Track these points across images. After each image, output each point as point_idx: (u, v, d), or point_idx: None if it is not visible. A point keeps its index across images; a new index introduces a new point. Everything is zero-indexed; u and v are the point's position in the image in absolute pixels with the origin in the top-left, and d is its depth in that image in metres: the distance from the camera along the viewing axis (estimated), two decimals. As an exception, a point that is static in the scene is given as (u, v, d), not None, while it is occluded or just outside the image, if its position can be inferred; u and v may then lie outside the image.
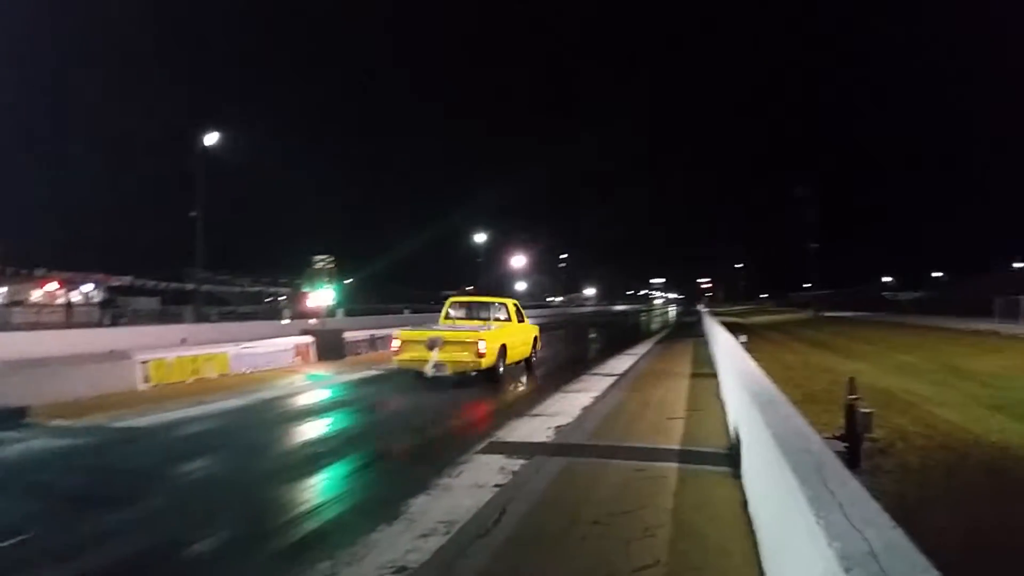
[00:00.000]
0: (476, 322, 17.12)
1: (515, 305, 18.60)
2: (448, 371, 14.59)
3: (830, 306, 63.79)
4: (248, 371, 17.22)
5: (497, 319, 17.56)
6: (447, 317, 17.71)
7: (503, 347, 15.73)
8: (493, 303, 18.82)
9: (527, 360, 18.37)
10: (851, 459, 7.50)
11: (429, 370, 14.58)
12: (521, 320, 18.28)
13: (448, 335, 15.09)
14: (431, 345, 14.69)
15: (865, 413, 7.98)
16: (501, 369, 15.70)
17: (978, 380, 14.49)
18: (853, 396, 8.16)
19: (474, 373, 14.92)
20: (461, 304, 18.95)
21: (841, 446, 7.66)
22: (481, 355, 14.60)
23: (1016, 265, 62.04)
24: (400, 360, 15.28)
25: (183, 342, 22.50)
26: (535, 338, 19.16)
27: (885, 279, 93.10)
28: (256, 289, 60.40)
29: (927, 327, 31.87)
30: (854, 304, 64.75)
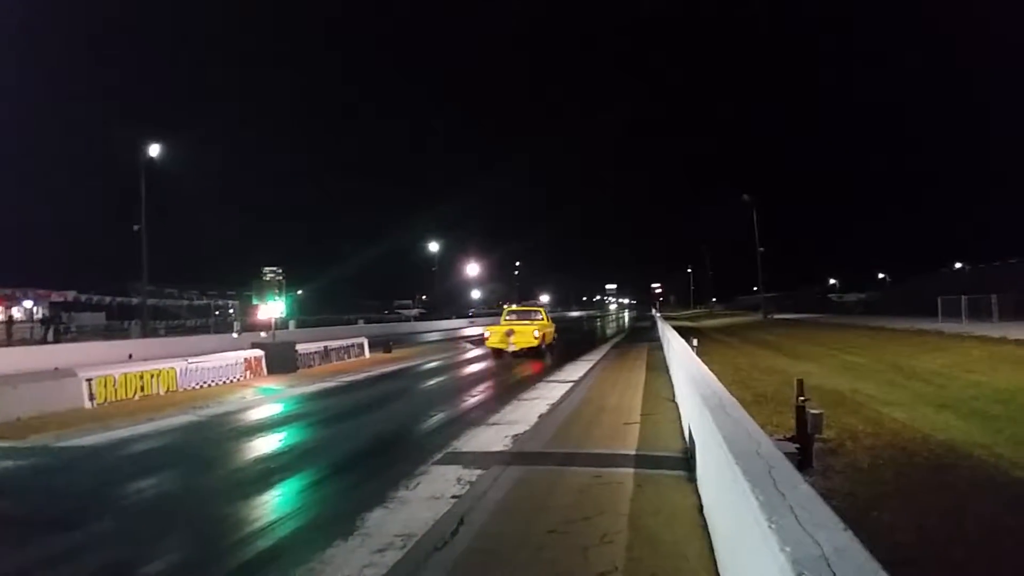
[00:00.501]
0: (527, 320, 26.99)
1: (544, 309, 30.91)
2: (516, 348, 24.84)
3: (779, 308, 64.91)
4: (197, 386, 16.87)
5: (536, 319, 27.30)
6: (506, 319, 27.46)
7: (544, 334, 25.85)
8: (532, 309, 30.62)
9: (549, 345, 27.19)
10: (802, 460, 7.64)
11: (509, 348, 24.95)
12: (548, 319, 28.61)
13: (516, 328, 25.62)
14: (508, 334, 25.24)
15: (815, 414, 8.13)
16: (543, 346, 25.64)
17: (924, 379, 14.86)
18: (802, 398, 8.32)
19: (513, 350, 24.87)
20: (513, 311, 29.76)
21: (792, 447, 7.80)
22: (536, 339, 25.09)
23: (957, 265, 64.07)
24: (489, 344, 26.06)
25: (130, 358, 22.00)
26: (554, 330, 29.16)
27: (831, 281, 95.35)
28: (204, 302, 59.24)
29: (873, 327, 32.57)
30: (802, 306, 66.09)
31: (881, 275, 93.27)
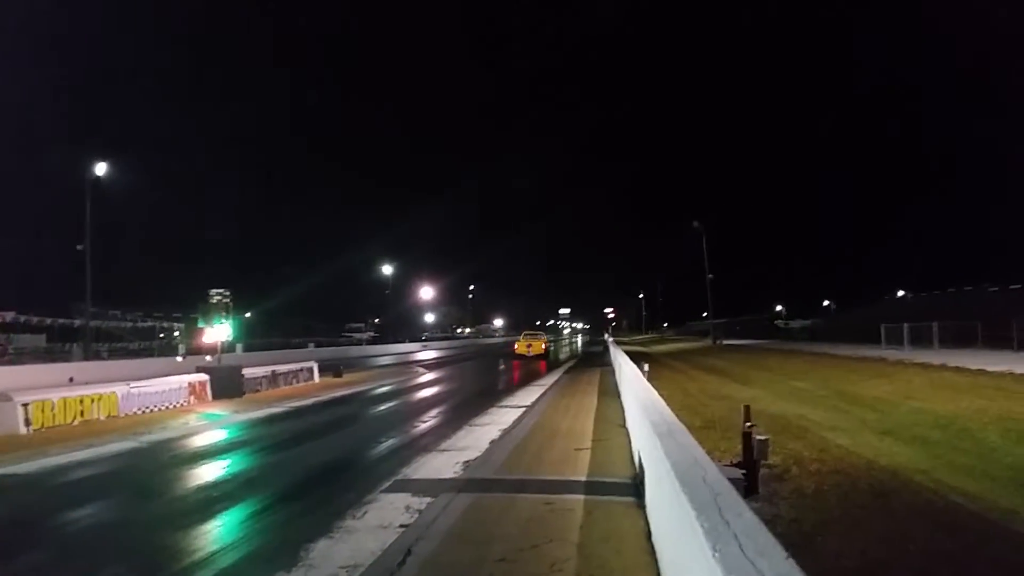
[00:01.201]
0: (537, 338, 48.65)
1: (543, 332, 65.74)
2: (533, 352, 44.40)
3: (727, 334, 65.99)
4: (140, 411, 16.42)
5: (541, 337, 50.47)
6: (524, 337, 48.61)
7: (546, 346, 48.20)
8: (537, 332, 59.06)
9: (548, 350, 48.15)
10: (749, 486, 7.73)
11: (529, 353, 44.29)
12: (546, 339, 52.91)
13: (532, 342, 46.70)
14: (528, 345, 45.71)
15: (761, 440, 8.26)
16: (547, 350, 47.50)
17: (867, 405, 15.20)
18: (749, 424, 8.44)
19: (531, 354, 44.34)
20: (528, 333, 51.77)
21: (739, 473, 7.89)
22: (543, 348, 46.46)
23: (900, 294, 66.18)
24: (517, 351, 45.60)
25: (70, 382, 21.35)
26: (549, 343, 54.54)
27: (778, 307, 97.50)
28: (149, 324, 57.71)
29: (818, 354, 33.29)
30: (749, 332, 67.32)
31: (826, 302, 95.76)
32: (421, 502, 7.77)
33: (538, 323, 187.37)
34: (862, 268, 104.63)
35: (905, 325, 32.13)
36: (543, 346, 46.41)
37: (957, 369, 19.88)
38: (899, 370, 21.90)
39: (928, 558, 5.81)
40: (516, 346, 46.95)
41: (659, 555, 5.39)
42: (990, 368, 19.08)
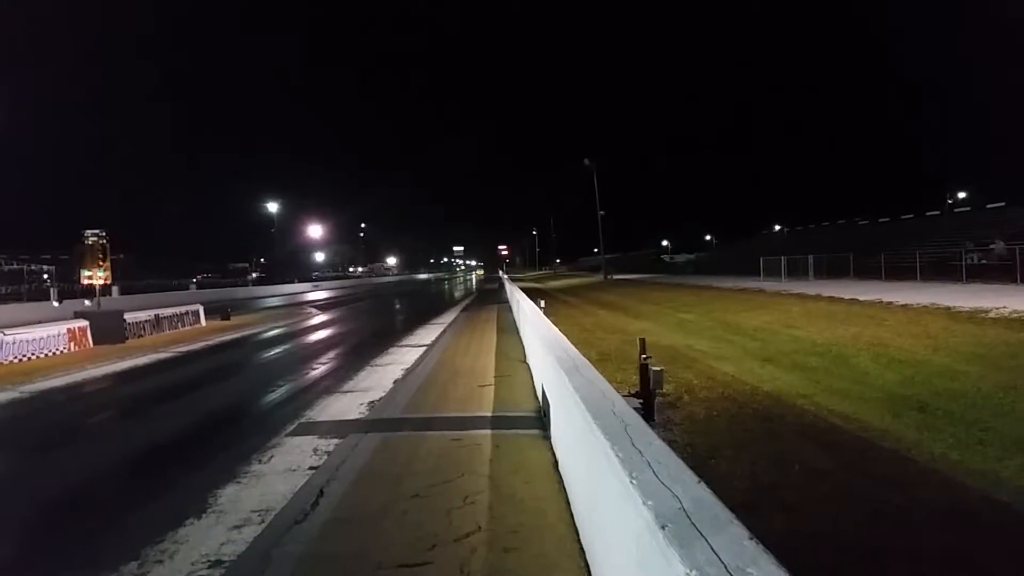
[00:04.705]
0: (490, 272, 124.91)
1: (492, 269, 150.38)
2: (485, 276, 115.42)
3: (618, 269, 67.78)
4: (15, 360, 15.56)
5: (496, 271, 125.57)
6: (477, 272, 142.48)
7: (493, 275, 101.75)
8: (494, 268, 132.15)
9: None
10: (645, 414, 8.13)
11: (484, 275, 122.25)
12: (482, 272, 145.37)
13: (488, 274, 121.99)
14: (485, 274, 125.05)
15: (657, 371, 8.63)
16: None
17: (749, 335, 16.06)
18: (645, 356, 8.81)
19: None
20: (483, 268, 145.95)
21: (636, 403, 8.27)
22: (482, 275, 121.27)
23: (776, 228, 69.64)
24: (479, 278, 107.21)
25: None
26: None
27: (663, 243, 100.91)
28: (15, 267, 53.96)
29: (702, 286, 34.65)
30: (638, 267, 69.48)
31: (708, 237, 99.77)
32: (328, 444, 7.78)
33: (432, 261, 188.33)
34: (740, 204, 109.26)
35: (782, 258, 33.90)
36: (480, 273, 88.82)
37: (831, 299, 21.25)
38: (778, 301, 23.14)
39: (811, 475, 6.33)
40: (476, 276, 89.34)
41: (567, 483, 5.64)
42: (861, 297, 20.51)
